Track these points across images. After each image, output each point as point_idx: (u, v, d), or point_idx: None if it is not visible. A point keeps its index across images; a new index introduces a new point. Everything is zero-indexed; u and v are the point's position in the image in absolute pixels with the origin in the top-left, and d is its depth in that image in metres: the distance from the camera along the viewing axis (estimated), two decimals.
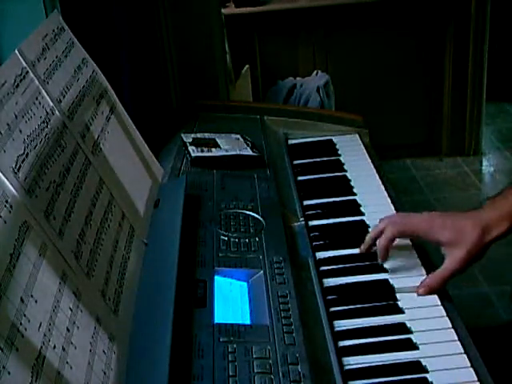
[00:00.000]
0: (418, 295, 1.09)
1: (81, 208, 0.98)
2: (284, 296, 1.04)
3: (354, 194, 1.41)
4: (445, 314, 1.04)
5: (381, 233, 1.16)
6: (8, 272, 0.73)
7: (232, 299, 1.06)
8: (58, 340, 0.76)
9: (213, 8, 2.09)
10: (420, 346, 0.98)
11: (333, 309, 1.06)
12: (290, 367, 0.89)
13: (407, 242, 1.22)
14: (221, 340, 0.94)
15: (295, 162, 1.57)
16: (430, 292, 1.09)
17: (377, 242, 1.17)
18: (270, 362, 0.90)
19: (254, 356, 0.91)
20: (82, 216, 0.97)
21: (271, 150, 1.58)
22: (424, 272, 1.14)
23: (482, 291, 2.60)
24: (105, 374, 0.83)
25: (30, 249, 0.79)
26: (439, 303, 1.07)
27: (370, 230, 1.26)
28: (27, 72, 1.01)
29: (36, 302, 0.75)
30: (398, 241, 1.19)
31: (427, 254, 1.20)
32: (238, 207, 1.29)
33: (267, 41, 3.42)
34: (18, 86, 0.96)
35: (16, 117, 0.91)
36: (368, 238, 1.19)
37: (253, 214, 1.26)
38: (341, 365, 0.94)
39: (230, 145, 1.52)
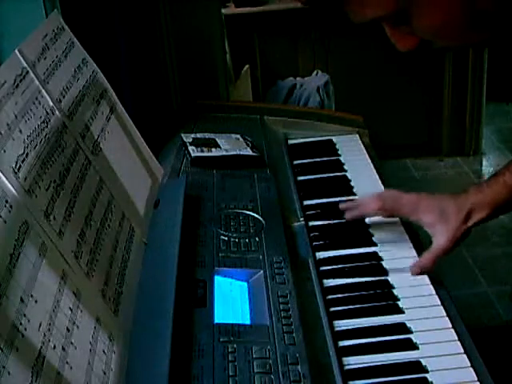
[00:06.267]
0: (412, 274, 1.14)
1: (81, 208, 0.98)
2: (284, 296, 1.04)
3: (354, 194, 1.41)
4: (445, 314, 1.04)
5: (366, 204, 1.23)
6: (8, 272, 0.73)
7: (232, 299, 1.06)
8: (58, 340, 0.76)
9: (213, 8, 2.09)
10: (420, 346, 0.98)
11: (333, 309, 1.06)
12: (290, 367, 0.89)
13: (408, 242, 1.23)
14: (221, 340, 0.94)
15: (295, 162, 1.57)
16: (421, 271, 1.14)
17: (358, 204, 1.25)
18: (270, 362, 0.90)
19: (254, 356, 0.91)
20: (81, 216, 0.97)
21: (271, 150, 1.58)
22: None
23: (482, 291, 2.60)
24: (105, 374, 0.83)
25: (30, 249, 0.79)
26: (439, 303, 1.07)
27: (370, 229, 1.27)
28: (27, 72, 1.01)
29: (36, 302, 0.75)
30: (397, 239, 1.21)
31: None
32: (238, 207, 1.29)
33: (267, 41, 3.42)
34: (17, 86, 0.96)
35: (16, 117, 0.91)
36: (353, 203, 1.25)
37: (253, 214, 1.26)
38: (341, 365, 0.94)
39: (230, 145, 1.52)
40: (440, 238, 1.14)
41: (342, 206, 1.27)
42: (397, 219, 1.27)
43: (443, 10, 0.75)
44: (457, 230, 1.13)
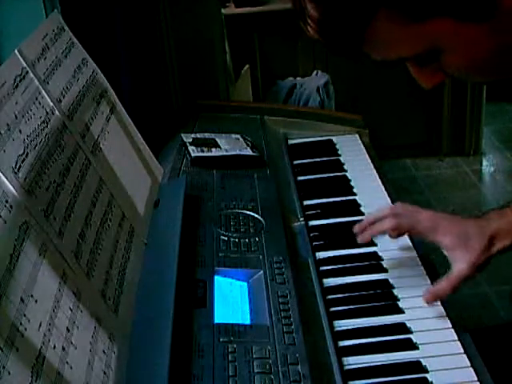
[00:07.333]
0: (427, 302, 1.06)
1: (81, 208, 0.98)
2: (284, 296, 1.04)
3: (354, 194, 1.41)
4: (445, 314, 1.05)
5: (380, 220, 1.14)
6: (8, 272, 0.73)
7: (232, 299, 1.06)
8: (58, 340, 0.76)
9: (213, 8, 2.09)
10: (420, 346, 0.98)
11: (333, 309, 1.06)
12: (290, 367, 0.89)
13: (408, 242, 1.22)
14: (221, 340, 0.94)
15: (295, 162, 1.57)
16: (438, 299, 1.07)
17: (370, 222, 1.15)
18: (270, 362, 0.90)
19: (254, 356, 0.91)
20: (81, 216, 0.97)
21: (271, 150, 1.58)
22: (424, 272, 1.14)
23: (482, 291, 2.60)
24: (105, 373, 0.83)
25: (30, 249, 0.79)
26: (439, 303, 1.07)
27: None
28: (27, 72, 1.01)
29: (36, 302, 0.75)
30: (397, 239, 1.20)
31: (427, 253, 1.20)
32: (238, 207, 1.29)
33: (267, 41, 3.42)
34: (17, 86, 0.96)
35: (16, 117, 0.91)
36: (366, 221, 1.16)
37: (253, 214, 1.27)
38: (341, 365, 0.94)
39: (229, 145, 1.52)
40: (460, 264, 1.05)
41: (355, 229, 1.17)
42: None
43: (473, 47, 0.72)
44: (479, 256, 1.04)
